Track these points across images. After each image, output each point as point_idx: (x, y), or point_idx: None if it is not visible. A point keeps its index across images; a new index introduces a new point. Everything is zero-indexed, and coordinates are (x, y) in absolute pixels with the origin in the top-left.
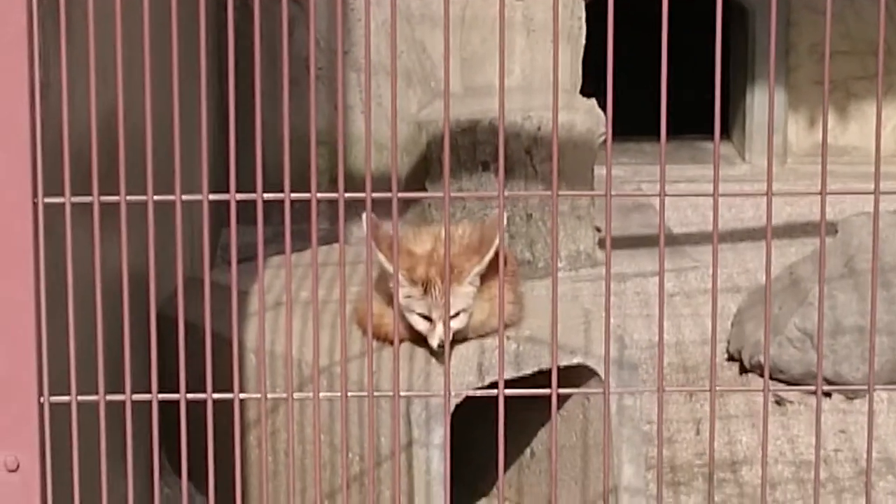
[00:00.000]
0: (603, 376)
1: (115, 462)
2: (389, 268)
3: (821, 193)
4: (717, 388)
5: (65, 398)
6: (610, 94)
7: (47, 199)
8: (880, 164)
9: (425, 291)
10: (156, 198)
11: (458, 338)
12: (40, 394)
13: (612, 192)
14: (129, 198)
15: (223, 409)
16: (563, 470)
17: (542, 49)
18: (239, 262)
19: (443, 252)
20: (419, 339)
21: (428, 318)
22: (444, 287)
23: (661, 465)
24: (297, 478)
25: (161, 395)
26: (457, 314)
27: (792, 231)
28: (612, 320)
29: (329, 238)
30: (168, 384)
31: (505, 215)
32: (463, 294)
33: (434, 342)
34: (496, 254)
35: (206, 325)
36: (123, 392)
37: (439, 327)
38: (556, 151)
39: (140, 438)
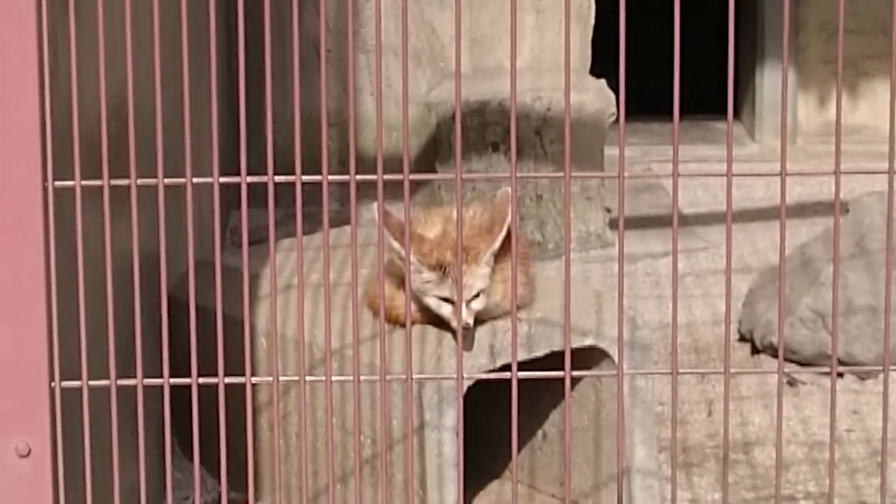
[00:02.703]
0: (615, 358)
1: (127, 446)
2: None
3: (835, 174)
4: (731, 370)
5: (76, 383)
6: (622, 74)
7: (58, 183)
8: (895, 144)
9: (444, 275)
10: (166, 181)
11: (478, 319)
12: (51, 379)
13: (625, 174)
14: (139, 181)
15: (233, 392)
16: (574, 452)
17: (551, 29)
18: (249, 244)
19: (456, 234)
20: (434, 322)
21: (450, 301)
22: (457, 268)
23: (675, 447)
24: (309, 461)
25: (173, 380)
26: (476, 295)
27: (803, 211)
28: (624, 302)
29: (338, 220)
30: (179, 366)
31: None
32: (481, 275)
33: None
34: (508, 233)
35: (217, 308)
36: (135, 376)
37: (463, 309)
38: (568, 132)
39: (151, 422)
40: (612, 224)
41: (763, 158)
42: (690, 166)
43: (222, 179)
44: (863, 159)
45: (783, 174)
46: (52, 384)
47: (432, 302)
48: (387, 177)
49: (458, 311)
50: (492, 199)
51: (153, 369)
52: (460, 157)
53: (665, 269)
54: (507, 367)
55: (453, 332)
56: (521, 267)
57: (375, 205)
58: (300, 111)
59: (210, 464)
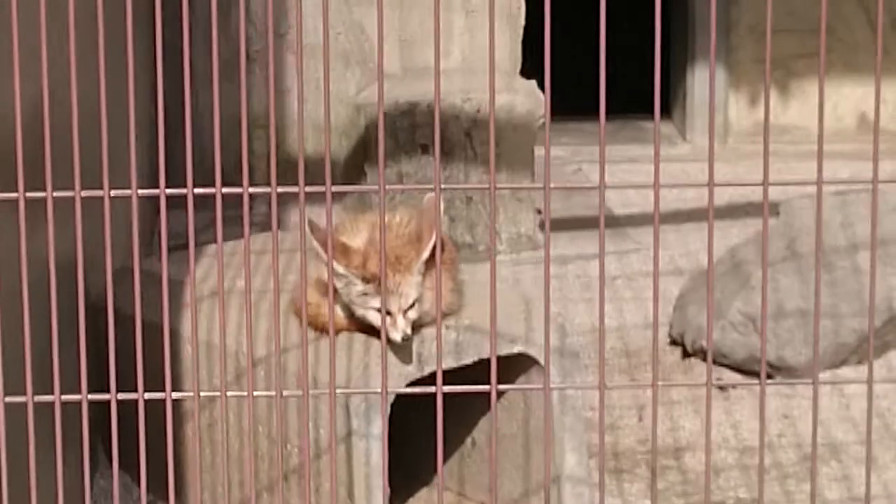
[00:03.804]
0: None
1: (50, 459)
2: (338, 268)
3: (763, 184)
4: (660, 383)
5: (21, 398)
6: (547, 82)
7: None
8: (822, 151)
9: (379, 286)
10: (83, 193)
11: (415, 327)
12: None
13: (552, 185)
14: (55, 194)
15: (160, 402)
16: (504, 459)
17: (481, 30)
18: (175, 249)
19: (386, 243)
20: (364, 330)
21: (387, 312)
22: (382, 276)
23: (604, 459)
24: (235, 470)
25: (91, 396)
26: (412, 305)
27: (734, 212)
28: (553, 308)
29: (268, 223)
30: (108, 376)
31: (443, 201)
32: (415, 283)
33: (398, 336)
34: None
35: (136, 318)
36: (53, 392)
37: (400, 320)
38: (492, 141)
39: (75, 434)
40: (543, 225)
41: (695, 158)
42: (622, 167)
43: (141, 192)
44: (794, 160)
45: (711, 184)
46: None
47: (369, 314)
48: (308, 189)
49: (383, 321)
50: (418, 205)
51: (90, 380)
52: (383, 168)
53: (596, 271)
54: (433, 375)
55: (388, 342)
56: (449, 273)
57: (307, 218)
58: (227, 114)
59: (136, 472)
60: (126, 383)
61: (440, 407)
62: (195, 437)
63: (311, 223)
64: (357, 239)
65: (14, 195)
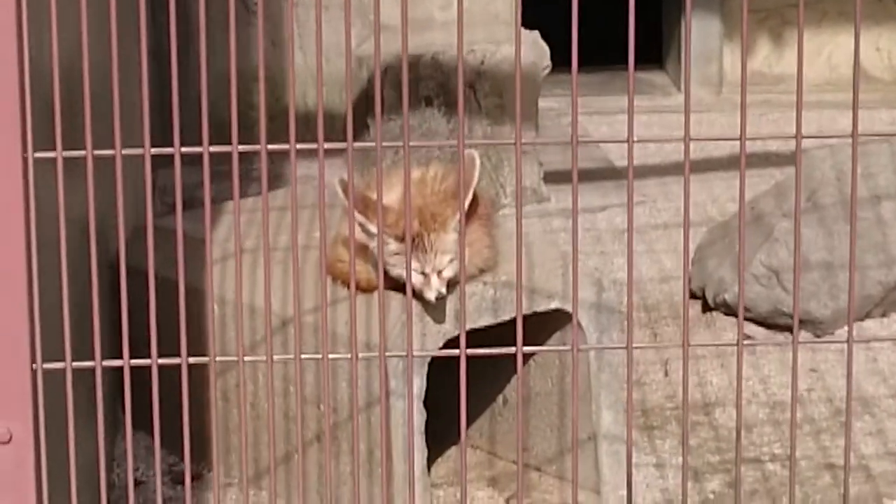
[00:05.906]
0: (582, 321)
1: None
2: (370, 226)
3: (740, 139)
4: (691, 343)
5: (59, 364)
6: (574, 39)
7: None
8: (801, 104)
9: (413, 245)
10: (95, 152)
11: (451, 285)
12: (33, 360)
13: (579, 139)
14: (65, 153)
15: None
16: (538, 417)
17: None
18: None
19: (420, 200)
20: (398, 288)
21: (421, 272)
22: (405, 237)
23: (632, 419)
24: (263, 432)
25: (105, 363)
26: (448, 263)
27: (752, 162)
28: (589, 263)
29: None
30: (139, 340)
31: (478, 158)
32: (451, 241)
33: (432, 295)
34: (475, 197)
35: (149, 272)
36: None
37: (434, 279)
38: (518, 98)
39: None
40: (547, 178)
41: (691, 109)
42: (618, 118)
43: (154, 151)
44: (789, 109)
45: (686, 140)
46: (34, 366)
47: (403, 274)
48: (328, 145)
49: (407, 275)
50: (452, 159)
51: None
52: (408, 125)
53: (603, 223)
54: (472, 332)
55: (422, 300)
56: (485, 229)
57: (336, 179)
58: (226, 69)
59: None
60: (170, 346)
61: (463, 371)
62: (225, 398)
63: (342, 180)
64: (390, 195)
65: (52, 154)
